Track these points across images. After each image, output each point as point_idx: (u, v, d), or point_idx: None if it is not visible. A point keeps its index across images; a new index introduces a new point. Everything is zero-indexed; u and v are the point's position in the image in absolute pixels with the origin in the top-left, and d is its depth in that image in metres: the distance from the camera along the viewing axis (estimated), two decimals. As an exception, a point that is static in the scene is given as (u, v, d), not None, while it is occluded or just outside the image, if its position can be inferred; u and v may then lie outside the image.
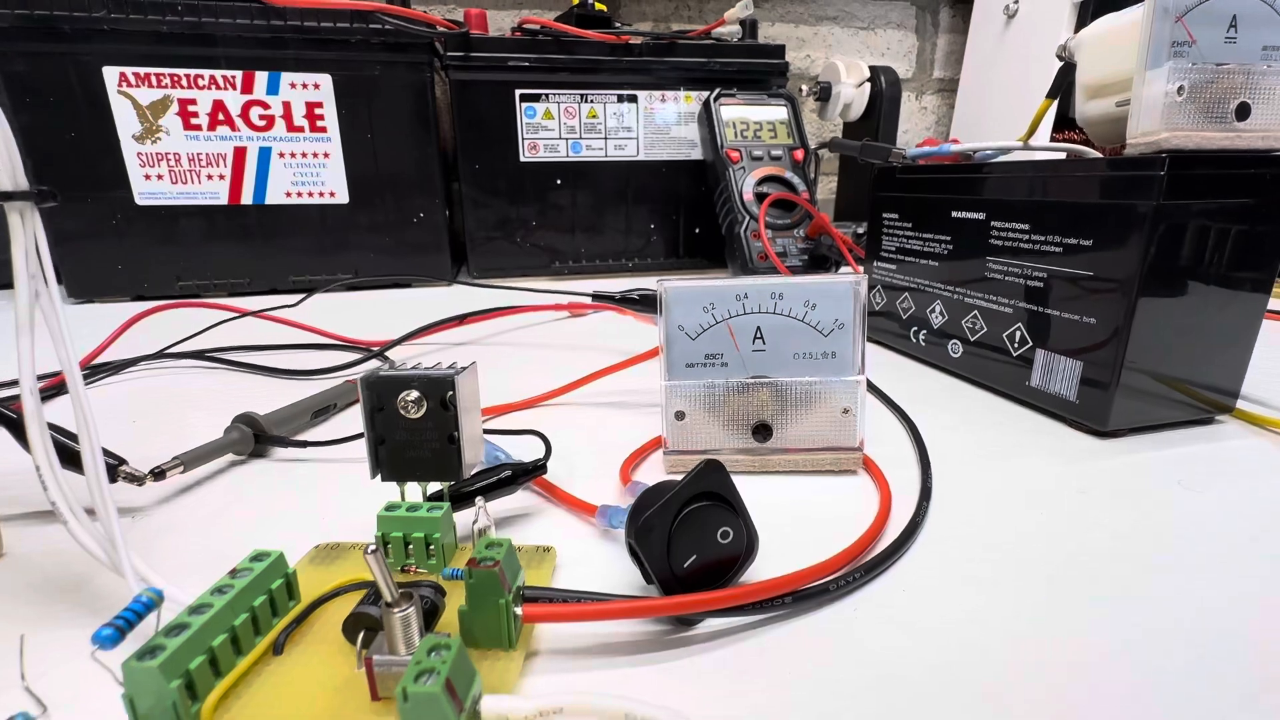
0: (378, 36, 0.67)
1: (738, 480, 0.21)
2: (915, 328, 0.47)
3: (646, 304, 0.43)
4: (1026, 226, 0.36)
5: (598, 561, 0.24)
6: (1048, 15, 0.82)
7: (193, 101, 0.67)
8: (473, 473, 0.24)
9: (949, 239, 0.43)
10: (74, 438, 0.22)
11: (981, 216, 0.40)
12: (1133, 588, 0.22)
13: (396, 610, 0.16)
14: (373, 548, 0.15)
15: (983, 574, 0.23)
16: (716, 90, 0.76)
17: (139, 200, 0.69)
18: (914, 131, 1.10)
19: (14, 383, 0.42)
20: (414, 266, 0.76)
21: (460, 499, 0.24)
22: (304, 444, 0.32)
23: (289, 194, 0.72)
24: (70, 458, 0.22)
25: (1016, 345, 0.38)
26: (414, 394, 0.22)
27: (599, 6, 0.76)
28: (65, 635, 0.20)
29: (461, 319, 0.55)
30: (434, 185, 0.75)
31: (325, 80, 0.69)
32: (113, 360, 0.47)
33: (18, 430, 0.25)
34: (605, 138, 0.79)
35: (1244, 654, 0.19)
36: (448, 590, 0.20)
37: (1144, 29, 0.30)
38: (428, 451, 0.22)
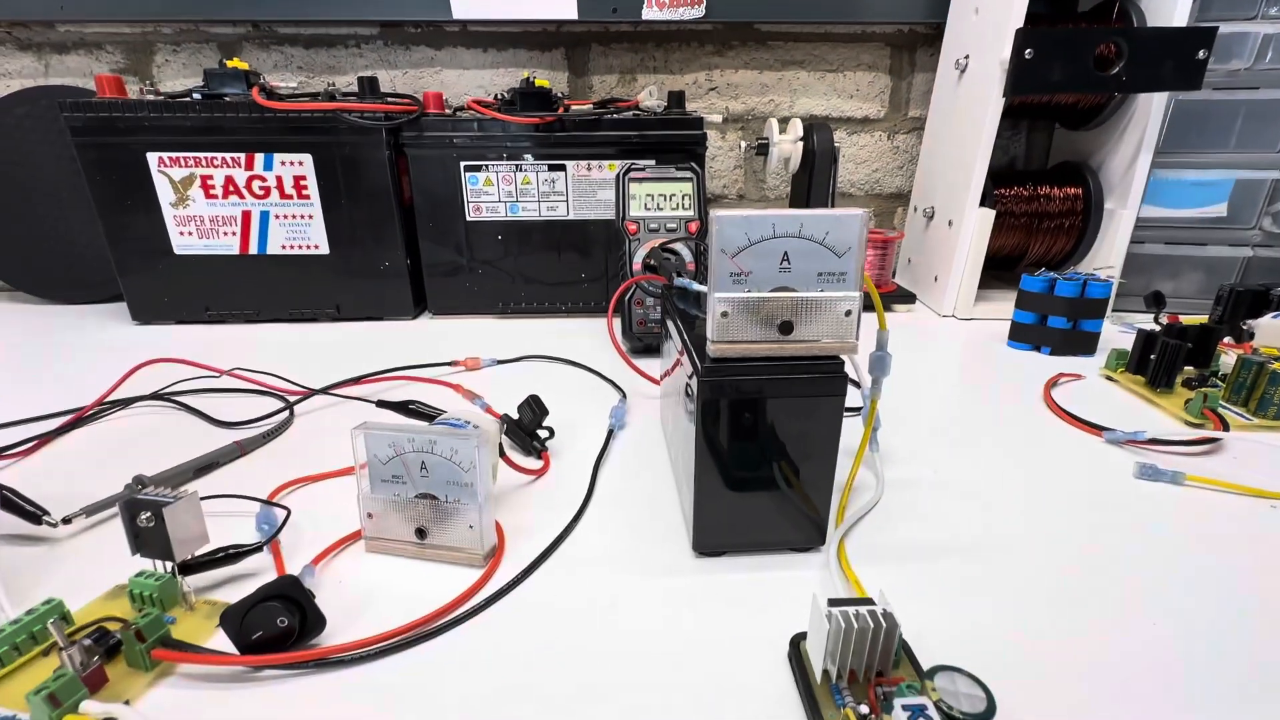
0: (345, 125, 0.80)
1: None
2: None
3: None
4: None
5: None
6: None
7: (211, 177, 0.82)
8: (196, 553, 0.34)
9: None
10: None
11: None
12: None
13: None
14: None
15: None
16: (628, 165, 0.79)
17: (176, 250, 0.84)
18: (885, 170, 1.12)
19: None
20: (384, 304, 0.89)
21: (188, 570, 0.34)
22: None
23: (284, 246, 0.85)
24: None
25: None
26: (147, 514, 0.32)
27: (539, 83, 0.84)
28: None
29: (358, 379, 0.67)
30: (396, 240, 0.86)
31: (308, 159, 0.82)
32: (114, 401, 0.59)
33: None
34: (538, 201, 0.87)
35: None
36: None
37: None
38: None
